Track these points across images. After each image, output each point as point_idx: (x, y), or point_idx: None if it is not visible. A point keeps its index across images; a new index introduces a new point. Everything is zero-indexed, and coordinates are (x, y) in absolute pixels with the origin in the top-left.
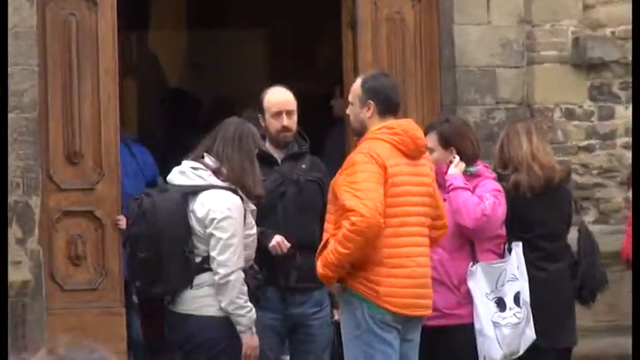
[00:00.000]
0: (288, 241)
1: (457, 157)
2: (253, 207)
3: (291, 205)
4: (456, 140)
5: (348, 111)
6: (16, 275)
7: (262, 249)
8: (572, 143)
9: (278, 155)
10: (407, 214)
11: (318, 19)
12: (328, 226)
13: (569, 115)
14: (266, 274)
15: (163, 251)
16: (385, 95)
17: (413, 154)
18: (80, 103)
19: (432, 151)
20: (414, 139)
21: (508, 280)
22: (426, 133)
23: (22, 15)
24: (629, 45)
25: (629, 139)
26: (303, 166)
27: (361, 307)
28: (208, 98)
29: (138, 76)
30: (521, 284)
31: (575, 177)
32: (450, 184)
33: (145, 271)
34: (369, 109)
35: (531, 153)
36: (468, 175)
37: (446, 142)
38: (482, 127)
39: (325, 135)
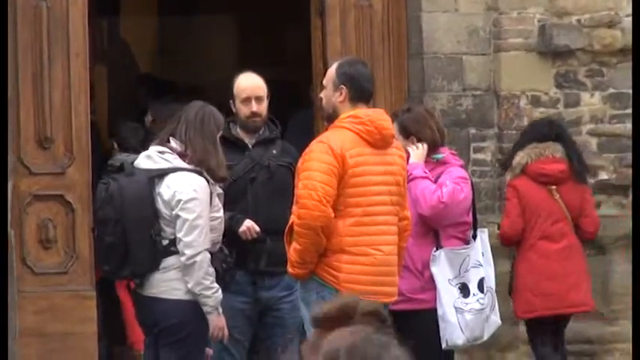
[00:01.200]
0: (259, 226)
1: (420, 146)
2: (220, 190)
3: (262, 189)
4: (415, 129)
5: (321, 94)
6: None
7: (232, 233)
8: None
9: (249, 140)
10: (370, 203)
11: (287, 6)
12: (294, 208)
13: (536, 102)
14: (236, 257)
15: (130, 234)
16: (359, 82)
17: (379, 143)
18: (51, 88)
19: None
20: (380, 129)
21: (472, 267)
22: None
23: None
24: (595, 32)
25: (594, 126)
26: (274, 151)
27: (321, 292)
28: (180, 84)
29: (109, 62)
30: (485, 270)
31: None
32: (410, 174)
33: (112, 254)
34: (341, 94)
35: None
36: (434, 163)
37: (405, 131)
38: (450, 114)
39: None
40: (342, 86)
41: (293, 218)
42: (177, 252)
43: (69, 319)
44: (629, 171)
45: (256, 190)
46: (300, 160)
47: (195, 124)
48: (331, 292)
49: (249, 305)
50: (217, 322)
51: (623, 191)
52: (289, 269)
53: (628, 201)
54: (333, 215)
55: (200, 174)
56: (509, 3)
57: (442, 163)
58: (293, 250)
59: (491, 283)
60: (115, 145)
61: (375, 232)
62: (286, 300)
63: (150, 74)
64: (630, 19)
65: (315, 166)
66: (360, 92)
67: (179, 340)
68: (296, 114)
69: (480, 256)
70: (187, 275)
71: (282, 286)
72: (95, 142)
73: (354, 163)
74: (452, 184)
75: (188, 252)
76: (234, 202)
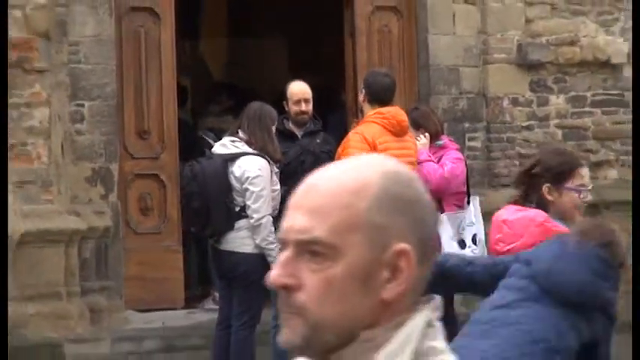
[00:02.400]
0: None
1: (422, 137)
2: (277, 169)
3: (309, 169)
4: (423, 122)
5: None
6: (99, 222)
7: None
8: (517, 124)
9: (298, 132)
10: None
11: (325, 28)
12: None
13: (515, 102)
14: None
15: (210, 203)
16: (374, 89)
17: (398, 132)
18: (148, 94)
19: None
20: (400, 121)
21: (467, 226)
22: None
23: (103, 26)
24: (559, 49)
25: (559, 121)
26: (318, 140)
27: None
28: (243, 88)
29: (191, 73)
30: (477, 228)
31: (519, 149)
32: (417, 158)
33: (197, 219)
34: (362, 95)
35: None
36: (437, 147)
37: (416, 124)
38: (450, 112)
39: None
40: (364, 90)
41: None
42: (246, 216)
43: (162, 268)
44: (588, 154)
45: (305, 169)
46: (340, 147)
47: (254, 119)
48: None
49: None
50: None
51: None
52: None
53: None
54: None
55: (262, 157)
56: (494, 27)
57: (442, 147)
58: None
59: (481, 237)
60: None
61: None
62: None
63: (223, 82)
64: (587, 38)
65: (352, 152)
66: (375, 95)
67: (247, 284)
68: (333, 116)
69: (472, 218)
70: (255, 234)
71: None
72: (184, 135)
73: (382, 148)
74: (450, 163)
75: (256, 216)
76: (288, 178)
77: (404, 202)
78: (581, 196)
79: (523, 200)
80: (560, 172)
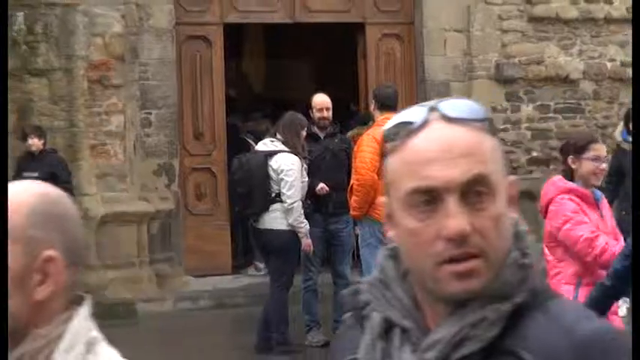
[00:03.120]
0: (327, 186)
1: None
2: (305, 165)
3: (330, 164)
4: None
5: None
6: (164, 206)
7: (313, 190)
8: (495, 127)
9: (321, 134)
10: None
11: (342, 52)
12: (353, 175)
13: (494, 110)
14: (315, 205)
15: (253, 189)
16: (381, 98)
17: None
18: (202, 103)
19: None
20: None
21: None
22: None
23: (167, 51)
24: (529, 67)
25: (529, 124)
26: (336, 140)
27: (372, 226)
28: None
29: (235, 87)
30: None
31: None
32: None
33: (241, 201)
34: (373, 104)
35: None
36: None
37: None
38: None
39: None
40: (373, 100)
41: (353, 181)
42: (280, 201)
43: (213, 242)
44: (551, 152)
45: (327, 164)
46: (355, 147)
47: (287, 125)
48: (378, 225)
49: (322, 233)
50: (306, 242)
51: (546, 163)
52: (351, 212)
53: (550, 169)
54: (377, 178)
55: (294, 154)
56: (477, 50)
57: None
58: (353, 200)
59: None
60: (249, 137)
61: None
62: (345, 230)
63: (262, 94)
64: (550, 59)
65: (365, 149)
66: (382, 104)
67: (282, 254)
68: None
69: None
70: (288, 215)
71: (342, 222)
72: (231, 135)
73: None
74: None
75: (289, 201)
76: (314, 171)
77: (52, 217)
78: (597, 165)
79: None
80: (580, 146)
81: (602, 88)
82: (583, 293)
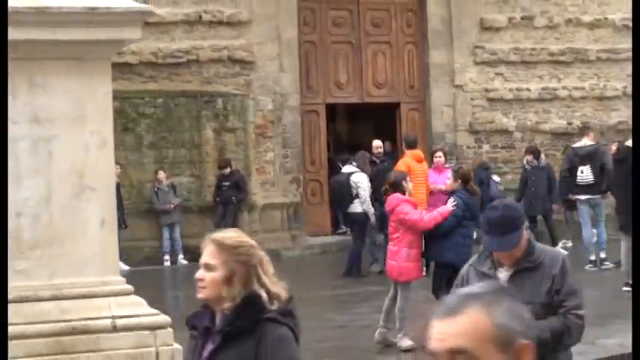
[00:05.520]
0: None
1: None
2: (369, 178)
3: (382, 178)
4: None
5: None
6: (295, 199)
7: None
8: None
9: (377, 161)
10: (418, 185)
11: (386, 118)
12: None
13: (467, 147)
14: (374, 200)
15: (343, 192)
16: (407, 141)
17: (419, 160)
18: (314, 145)
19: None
20: (419, 156)
21: None
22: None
23: (296, 118)
24: (486, 125)
25: (485, 155)
26: (385, 164)
27: None
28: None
29: (332, 136)
30: None
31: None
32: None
33: (337, 198)
34: (403, 144)
35: None
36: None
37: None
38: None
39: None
40: (404, 142)
41: None
42: (357, 197)
43: (320, 219)
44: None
45: (379, 178)
46: (395, 167)
47: (359, 157)
48: None
49: (379, 214)
50: (372, 219)
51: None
52: None
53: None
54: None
55: (363, 173)
56: (459, 116)
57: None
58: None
59: None
60: (340, 163)
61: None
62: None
63: (345, 140)
64: (498, 121)
65: (400, 167)
66: (407, 145)
67: (359, 225)
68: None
69: None
70: (362, 205)
71: None
72: (330, 163)
73: (414, 169)
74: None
75: (362, 198)
76: (373, 183)
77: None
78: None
79: None
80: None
81: (525, 135)
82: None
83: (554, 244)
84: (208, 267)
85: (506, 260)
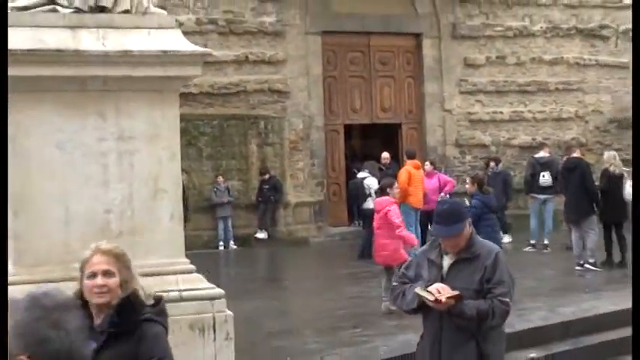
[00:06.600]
0: None
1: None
2: (377, 181)
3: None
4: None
5: None
6: (320, 198)
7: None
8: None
9: (385, 169)
10: (416, 187)
11: (390, 139)
12: (397, 184)
13: (454, 158)
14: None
15: (358, 193)
16: (407, 153)
17: (417, 168)
18: (334, 156)
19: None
20: (417, 165)
21: None
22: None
23: (321, 135)
24: (469, 141)
25: (469, 164)
26: (390, 171)
27: (405, 209)
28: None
29: (348, 150)
30: None
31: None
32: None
33: (354, 198)
34: (405, 155)
35: None
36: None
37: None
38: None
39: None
40: (405, 154)
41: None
42: (370, 196)
43: (340, 212)
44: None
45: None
46: (398, 174)
47: (370, 165)
48: (408, 207)
49: None
50: None
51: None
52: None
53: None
54: (407, 185)
55: (374, 177)
56: (448, 133)
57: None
58: (397, 194)
59: None
60: (355, 170)
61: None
62: None
63: (358, 152)
64: (477, 137)
65: (402, 174)
66: (408, 156)
67: (369, 217)
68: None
69: None
70: (373, 201)
71: None
72: (347, 169)
73: (413, 174)
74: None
75: (372, 197)
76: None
77: None
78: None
79: None
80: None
81: (499, 148)
82: None
83: (505, 232)
84: (108, 273)
85: (451, 249)
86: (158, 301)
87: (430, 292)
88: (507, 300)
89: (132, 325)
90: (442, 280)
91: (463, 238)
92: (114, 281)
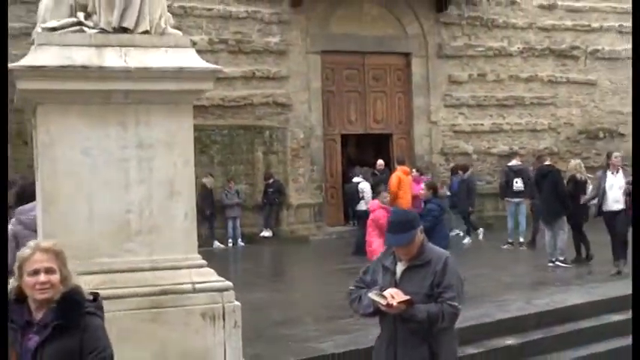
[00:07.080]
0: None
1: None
2: (370, 186)
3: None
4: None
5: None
6: (319, 200)
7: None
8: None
9: (378, 174)
10: (405, 191)
11: (383, 148)
12: (388, 188)
13: (440, 165)
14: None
15: (353, 195)
16: (398, 159)
17: (407, 173)
18: (332, 163)
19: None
20: (407, 170)
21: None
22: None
23: (326, 144)
24: (454, 149)
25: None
26: (383, 176)
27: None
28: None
29: (347, 157)
30: None
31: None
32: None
33: (350, 201)
34: (396, 161)
35: None
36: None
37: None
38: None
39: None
40: (396, 160)
41: (389, 189)
42: (363, 199)
43: (336, 213)
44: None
45: (379, 185)
46: (390, 178)
47: (364, 172)
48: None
49: None
50: None
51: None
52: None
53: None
54: (397, 189)
55: (368, 182)
56: (434, 143)
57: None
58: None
59: None
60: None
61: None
62: None
63: (354, 158)
64: (460, 146)
65: (393, 178)
66: (398, 162)
67: (364, 219)
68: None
69: None
70: (366, 204)
71: None
72: (343, 174)
73: (403, 179)
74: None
75: (366, 200)
76: (375, 189)
77: None
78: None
79: None
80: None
81: (480, 157)
82: None
83: (475, 229)
84: (50, 270)
85: (404, 256)
86: (96, 297)
87: (384, 297)
88: (456, 304)
89: (77, 318)
90: (395, 285)
91: (415, 245)
92: (55, 277)
